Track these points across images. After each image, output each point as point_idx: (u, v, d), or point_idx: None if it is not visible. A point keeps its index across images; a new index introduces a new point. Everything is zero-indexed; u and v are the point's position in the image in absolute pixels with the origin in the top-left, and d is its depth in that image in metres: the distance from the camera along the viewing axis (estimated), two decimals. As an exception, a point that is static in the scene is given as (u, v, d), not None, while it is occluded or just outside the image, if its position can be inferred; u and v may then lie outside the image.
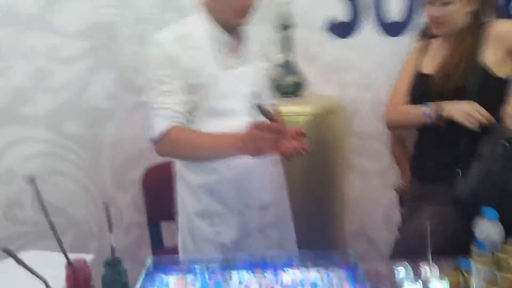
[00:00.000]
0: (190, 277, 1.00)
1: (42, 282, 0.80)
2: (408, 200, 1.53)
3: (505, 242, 0.94)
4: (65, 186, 1.66)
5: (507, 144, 1.20)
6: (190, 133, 1.17)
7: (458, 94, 1.27)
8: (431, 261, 0.95)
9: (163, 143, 1.16)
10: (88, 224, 1.75)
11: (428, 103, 1.32)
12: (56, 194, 1.62)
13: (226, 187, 1.25)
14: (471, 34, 1.31)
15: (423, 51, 1.46)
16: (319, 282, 0.97)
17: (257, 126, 1.03)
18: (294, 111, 1.74)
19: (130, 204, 1.86)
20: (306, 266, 1.02)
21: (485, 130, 1.25)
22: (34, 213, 1.55)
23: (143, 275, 0.96)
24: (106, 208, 0.92)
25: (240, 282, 0.98)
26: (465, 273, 0.99)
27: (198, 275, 1.00)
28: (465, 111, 1.25)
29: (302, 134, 1.25)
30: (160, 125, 1.14)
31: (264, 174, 1.28)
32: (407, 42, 1.68)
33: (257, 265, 1.03)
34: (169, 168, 1.34)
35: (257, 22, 1.24)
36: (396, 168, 1.74)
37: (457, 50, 1.31)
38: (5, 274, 0.93)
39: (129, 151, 1.82)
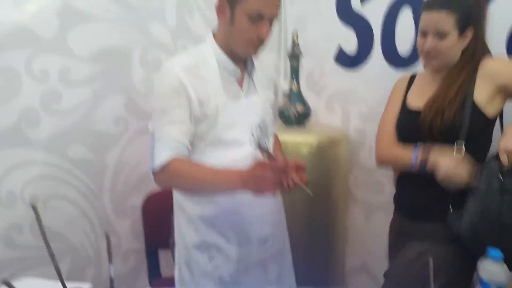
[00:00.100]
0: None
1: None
2: (391, 237, 1.49)
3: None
4: (65, 211, 1.63)
5: (501, 177, 1.18)
6: (191, 166, 1.15)
7: (449, 132, 1.25)
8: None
9: (163, 174, 1.13)
10: (86, 251, 1.71)
11: (417, 146, 1.30)
12: (55, 219, 1.59)
13: (226, 219, 1.23)
14: (464, 71, 1.29)
15: (409, 85, 1.44)
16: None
17: (260, 166, 1.01)
18: (299, 141, 1.74)
19: (129, 231, 1.84)
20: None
21: (480, 165, 1.24)
22: (33, 238, 1.53)
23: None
24: (107, 238, 0.90)
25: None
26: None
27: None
28: (450, 168, 1.23)
29: (302, 168, 1.26)
30: (161, 157, 1.12)
31: (264, 206, 1.26)
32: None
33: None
34: (170, 196, 1.32)
35: (265, 51, 1.23)
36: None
37: (450, 88, 1.28)
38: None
39: (131, 177, 1.80)
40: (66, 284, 0.84)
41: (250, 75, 1.26)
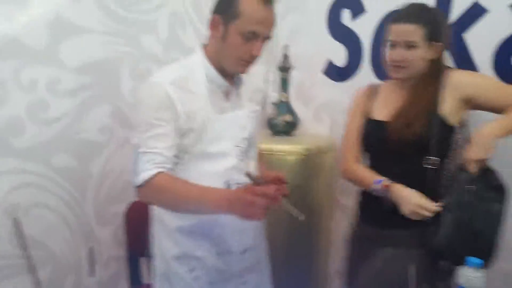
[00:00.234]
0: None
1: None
2: (354, 242, 1.50)
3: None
4: (46, 219, 1.59)
5: (473, 188, 1.22)
6: (176, 182, 1.11)
7: (418, 144, 1.28)
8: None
9: (146, 189, 1.10)
10: (67, 258, 1.67)
11: (380, 180, 1.33)
12: (36, 227, 1.55)
13: (206, 230, 1.22)
14: (431, 82, 1.32)
15: (372, 95, 1.46)
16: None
17: (249, 191, 1.00)
18: (287, 150, 1.76)
19: (110, 238, 1.80)
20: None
21: (449, 178, 1.29)
22: (12, 247, 1.48)
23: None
24: (91, 252, 0.87)
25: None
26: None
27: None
28: (412, 204, 1.27)
29: (283, 181, 1.26)
30: (146, 171, 1.09)
31: None
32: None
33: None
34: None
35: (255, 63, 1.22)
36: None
37: (417, 99, 1.32)
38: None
39: (115, 185, 1.78)
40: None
41: (237, 89, 1.25)
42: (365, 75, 1.82)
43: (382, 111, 1.39)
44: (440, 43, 1.30)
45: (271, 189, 1.02)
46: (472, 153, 1.21)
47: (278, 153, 1.75)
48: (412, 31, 1.26)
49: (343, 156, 1.49)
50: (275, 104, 1.92)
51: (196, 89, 1.16)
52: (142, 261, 1.66)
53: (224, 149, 1.19)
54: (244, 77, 1.27)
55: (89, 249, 0.87)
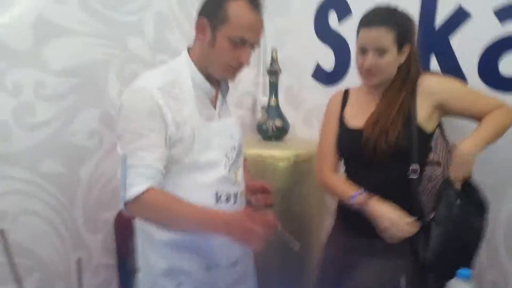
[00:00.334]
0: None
1: None
2: (333, 253, 1.46)
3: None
4: (34, 226, 1.57)
5: (458, 202, 1.22)
6: (169, 199, 1.06)
7: (395, 153, 1.26)
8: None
9: (137, 205, 1.04)
10: (55, 265, 1.65)
11: (356, 194, 1.31)
12: (24, 234, 1.54)
13: (195, 243, 1.18)
14: (403, 89, 1.30)
15: (344, 101, 1.44)
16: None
17: (249, 217, 0.98)
18: (276, 155, 1.75)
19: (100, 245, 1.78)
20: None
21: (434, 191, 1.29)
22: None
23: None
24: (79, 263, 0.85)
25: None
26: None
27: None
28: (392, 223, 1.25)
29: (268, 190, 1.27)
30: (136, 186, 1.03)
31: None
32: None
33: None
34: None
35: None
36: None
37: (390, 107, 1.29)
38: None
39: (105, 191, 1.76)
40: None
41: (224, 96, 1.23)
42: (354, 79, 1.80)
43: (356, 118, 1.36)
44: (409, 46, 1.29)
45: (270, 216, 1.00)
46: (455, 173, 1.21)
47: (268, 158, 1.74)
48: (383, 35, 1.24)
49: (319, 165, 1.46)
50: (264, 108, 1.92)
51: (183, 96, 1.11)
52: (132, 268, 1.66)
53: (213, 159, 1.15)
54: (236, 80, 1.24)
55: (77, 260, 0.86)
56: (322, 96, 1.92)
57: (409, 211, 1.28)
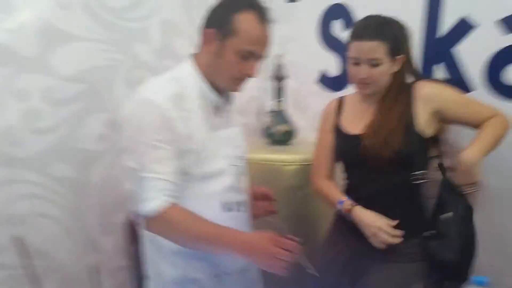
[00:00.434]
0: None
1: None
2: (337, 260, 1.43)
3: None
4: (49, 229, 1.62)
5: (465, 204, 1.25)
6: (189, 217, 1.05)
7: (394, 159, 1.27)
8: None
9: (157, 221, 1.04)
10: (71, 268, 1.70)
11: (342, 201, 1.35)
12: (39, 237, 1.58)
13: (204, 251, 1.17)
14: (401, 97, 1.31)
15: (339, 109, 1.44)
16: None
17: (275, 242, 0.98)
18: (284, 159, 1.77)
19: (115, 246, 1.83)
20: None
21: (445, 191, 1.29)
22: (16, 258, 1.52)
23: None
24: (95, 271, 0.87)
25: None
26: None
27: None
28: (375, 229, 1.27)
29: (270, 197, 1.29)
30: (155, 200, 1.03)
31: None
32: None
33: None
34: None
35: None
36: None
37: (389, 114, 1.30)
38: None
39: (115, 194, 1.79)
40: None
41: (228, 104, 1.22)
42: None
43: (353, 126, 1.37)
44: (403, 55, 1.29)
45: (293, 241, 1.00)
46: (460, 180, 1.22)
47: (275, 162, 1.76)
48: (375, 48, 1.23)
49: (313, 172, 1.50)
50: (271, 113, 1.95)
51: (190, 107, 1.10)
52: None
53: (219, 169, 1.15)
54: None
55: (93, 268, 0.88)
56: (328, 101, 1.96)
57: (413, 215, 1.31)
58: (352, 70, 1.31)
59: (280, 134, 1.91)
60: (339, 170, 1.50)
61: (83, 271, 1.73)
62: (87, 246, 1.74)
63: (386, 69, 1.27)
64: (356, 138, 1.33)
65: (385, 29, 1.25)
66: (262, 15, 1.10)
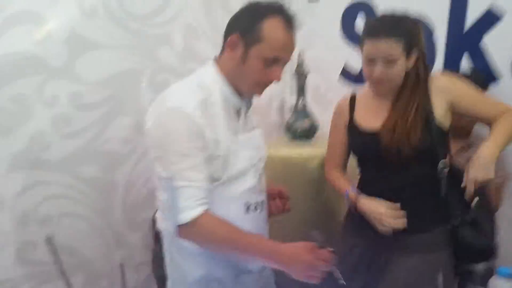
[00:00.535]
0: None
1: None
2: (356, 253, 1.41)
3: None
4: (78, 227, 1.68)
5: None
6: (223, 225, 1.06)
7: (416, 152, 1.26)
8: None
9: (191, 229, 1.04)
10: (99, 263, 1.75)
11: (347, 191, 1.37)
12: (68, 236, 1.64)
13: None
14: (417, 91, 1.29)
15: (352, 105, 1.43)
16: None
17: (312, 253, 0.99)
18: (306, 155, 1.77)
19: (141, 243, 1.87)
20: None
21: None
22: (47, 255, 1.57)
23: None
24: (122, 268, 0.89)
25: None
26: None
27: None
28: (380, 214, 1.28)
29: (285, 196, 1.29)
30: (190, 210, 1.03)
31: (262, 231, 1.24)
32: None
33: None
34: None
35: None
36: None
37: (407, 109, 1.28)
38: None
39: (141, 192, 1.84)
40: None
41: (248, 107, 1.21)
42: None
43: (368, 121, 1.36)
44: (417, 50, 1.27)
45: (328, 251, 1.01)
46: (474, 174, 1.19)
47: (297, 158, 1.76)
48: (392, 46, 1.22)
49: (326, 165, 1.54)
50: (293, 109, 1.95)
51: (216, 113, 1.09)
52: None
53: (242, 171, 1.14)
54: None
55: (120, 265, 0.89)
56: (350, 95, 1.96)
57: (435, 206, 1.30)
58: (367, 69, 1.29)
59: (302, 130, 1.91)
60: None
61: (109, 267, 1.78)
62: (113, 242, 1.79)
63: (402, 67, 1.26)
64: (373, 134, 1.33)
65: (400, 26, 1.24)
66: (288, 21, 1.08)
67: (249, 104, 1.21)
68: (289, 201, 1.33)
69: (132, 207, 1.83)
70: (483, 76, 1.57)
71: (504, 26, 1.46)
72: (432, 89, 1.29)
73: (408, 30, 1.25)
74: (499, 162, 1.50)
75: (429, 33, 1.67)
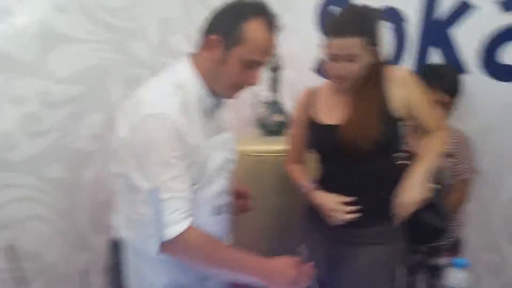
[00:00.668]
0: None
1: None
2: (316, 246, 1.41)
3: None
4: (40, 230, 1.59)
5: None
6: (209, 241, 1.02)
7: (374, 145, 1.27)
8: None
9: (175, 245, 0.99)
10: (62, 268, 1.67)
11: (304, 183, 1.42)
12: (30, 239, 1.56)
13: None
14: (375, 84, 1.31)
15: (312, 99, 1.44)
16: None
17: (296, 268, 1.01)
18: (278, 149, 1.73)
19: (106, 246, 1.79)
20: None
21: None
22: (6, 262, 1.49)
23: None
24: (85, 273, 0.83)
25: None
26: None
27: None
28: (327, 210, 1.33)
29: (248, 195, 1.30)
30: (175, 224, 0.98)
31: (229, 232, 1.23)
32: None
33: None
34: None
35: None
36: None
37: (367, 102, 1.30)
38: None
39: (108, 194, 1.76)
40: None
41: (220, 108, 1.17)
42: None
43: (329, 116, 1.37)
44: (379, 46, 1.28)
45: (310, 267, 1.04)
46: (402, 214, 1.27)
47: (269, 153, 1.75)
48: (354, 44, 1.23)
49: (286, 158, 1.56)
50: (266, 103, 1.92)
51: (193, 116, 1.04)
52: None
53: (214, 174, 1.11)
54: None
55: (83, 267, 0.84)
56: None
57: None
58: (330, 66, 1.30)
59: (274, 125, 1.89)
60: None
61: (73, 271, 1.71)
62: (77, 245, 1.71)
63: (364, 62, 1.27)
64: (332, 128, 1.33)
65: (364, 24, 1.25)
66: (270, 22, 1.05)
67: (221, 105, 1.16)
68: (251, 200, 1.34)
69: (98, 209, 1.74)
70: (455, 69, 1.58)
71: (474, 18, 1.47)
72: (391, 78, 1.30)
73: (369, 27, 1.26)
74: (466, 159, 1.59)
75: (400, 21, 1.67)
